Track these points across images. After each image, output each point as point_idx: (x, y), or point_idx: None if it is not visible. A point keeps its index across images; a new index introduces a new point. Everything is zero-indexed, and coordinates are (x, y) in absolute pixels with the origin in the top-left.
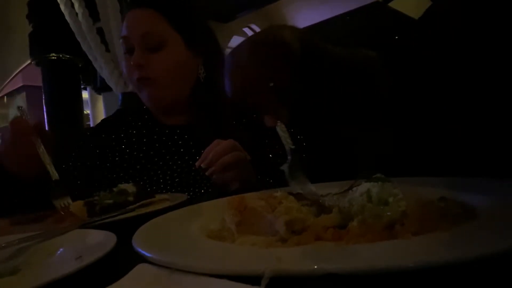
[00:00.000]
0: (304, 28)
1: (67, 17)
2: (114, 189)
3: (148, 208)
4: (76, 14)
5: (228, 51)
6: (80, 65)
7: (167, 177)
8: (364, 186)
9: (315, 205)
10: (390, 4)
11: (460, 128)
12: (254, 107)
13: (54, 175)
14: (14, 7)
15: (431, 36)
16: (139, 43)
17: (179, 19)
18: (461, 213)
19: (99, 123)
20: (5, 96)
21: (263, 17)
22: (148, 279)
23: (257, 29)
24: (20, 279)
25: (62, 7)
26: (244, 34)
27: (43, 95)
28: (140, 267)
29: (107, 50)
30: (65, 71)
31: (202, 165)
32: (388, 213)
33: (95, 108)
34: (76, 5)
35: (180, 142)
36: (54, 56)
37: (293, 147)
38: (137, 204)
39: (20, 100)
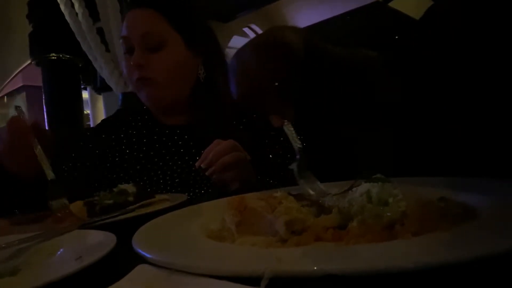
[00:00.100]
0: (304, 28)
1: (67, 17)
2: (114, 189)
3: (148, 209)
4: (76, 14)
5: (228, 51)
6: (80, 65)
7: (167, 177)
8: (364, 186)
9: (315, 205)
10: (390, 4)
11: (460, 128)
12: (260, 108)
13: (50, 175)
14: (14, 7)
15: (431, 36)
16: (139, 43)
17: (179, 19)
18: (461, 213)
19: (99, 123)
20: (5, 96)
21: (263, 17)
22: (148, 280)
23: (257, 29)
24: (20, 280)
25: (62, 7)
26: (244, 34)
27: (43, 95)
28: (140, 268)
29: (107, 50)
30: (65, 71)
31: (202, 165)
32: (388, 214)
33: (95, 108)
34: (76, 5)
35: (180, 142)
36: (54, 56)
37: (301, 146)
38: (137, 204)
39: (20, 100)
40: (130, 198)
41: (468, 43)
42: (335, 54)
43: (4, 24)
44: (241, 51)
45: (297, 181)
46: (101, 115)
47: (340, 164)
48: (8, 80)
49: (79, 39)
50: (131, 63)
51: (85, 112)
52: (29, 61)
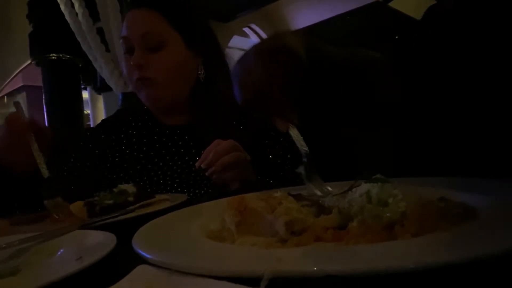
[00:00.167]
0: (305, 32)
1: (67, 17)
2: (114, 189)
3: (148, 209)
4: (76, 14)
5: (228, 51)
6: (80, 65)
7: (167, 178)
8: (363, 186)
9: (314, 205)
10: (390, 4)
11: (460, 128)
12: (265, 113)
13: (45, 173)
14: (14, 7)
15: (431, 36)
16: (139, 43)
17: (179, 19)
18: (461, 213)
19: (99, 123)
20: (5, 96)
21: (263, 17)
22: (148, 280)
23: (257, 29)
24: (21, 280)
25: (62, 7)
26: (244, 34)
27: (43, 95)
28: (140, 268)
29: (107, 50)
30: (65, 71)
31: (202, 165)
32: (388, 214)
33: (95, 108)
34: (76, 5)
35: (180, 143)
36: (54, 56)
37: (307, 149)
38: (137, 204)
39: (20, 100)
40: (130, 198)
41: (468, 43)
42: (336, 57)
43: (4, 24)
44: (244, 57)
45: (305, 183)
46: (101, 115)
47: (340, 164)
48: (8, 80)
49: (79, 39)
50: (131, 63)
51: (85, 112)
52: (29, 61)
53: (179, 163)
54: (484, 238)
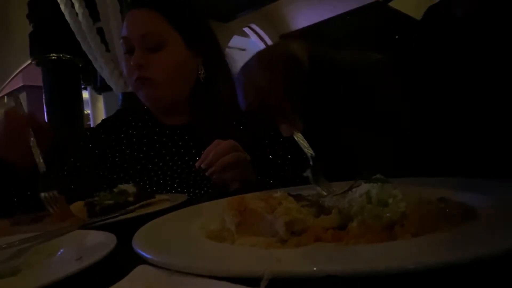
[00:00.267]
0: (305, 28)
1: (67, 17)
2: (114, 189)
3: (148, 209)
4: (76, 14)
5: (228, 51)
6: (80, 65)
7: (167, 178)
8: (363, 187)
9: (314, 206)
10: (390, 4)
11: (460, 128)
12: (269, 118)
13: (42, 167)
14: (14, 7)
15: (431, 36)
16: (139, 43)
17: (179, 19)
18: (461, 213)
19: (99, 123)
20: (5, 96)
21: (263, 17)
22: (148, 281)
23: (257, 29)
24: (21, 280)
25: (62, 7)
26: (244, 34)
27: (43, 95)
28: (140, 269)
29: (107, 50)
30: (65, 71)
31: (202, 165)
32: (388, 214)
33: (95, 108)
34: (76, 5)
35: (180, 143)
36: (54, 56)
37: (313, 153)
38: (137, 204)
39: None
40: (130, 198)
41: (468, 43)
42: (338, 61)
43: (4, 24)
44: (247, 64)
45: (313, 186)
46: (101, 115)
47: (340, 164)
48: (8, 80)
49: (79, 39)
50: (131, 63)
51: (85, 112)
52: (29, 61)
53: (179, 163)
54: (484, 238)
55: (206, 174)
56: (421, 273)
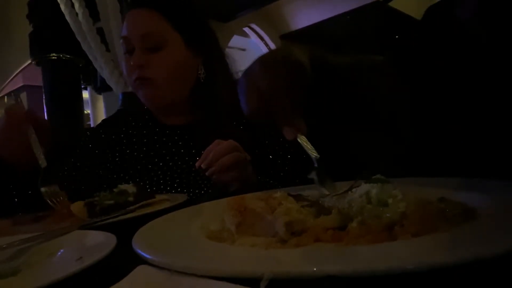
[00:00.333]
0: (304, 28)
1: (67, 17)
2: (114, 189)
3: (148, 209)
4: (76, 14)
5: (228, 51)
6: (80, 65)
7: (167, 178)
8: (363, 187)
9: (314, 206)
10: (390, 4)
11: (460, 128)
12: (272, 122)
13: (43, 162)
14: (14, 7)
15: (432, 36)
16: (139, 43)
17: (179, 19)
18: (461, 213)
19: (100, 123)
20: (6, 96)
21: (263, 17)
22: (148, 281)
23: (257, 29)
24: (21, 280)
25: (62, 7)
26: (244, 34)
27: (44, 95)
28: (140, 269)
29: (107, 50)
30: (65, 71)
31: (202, 165)
32: (388, 214)
33: (95, 108)
34: (76, 5)
35: (180, 143)
36: (55, 56)
37: (318, 156)
38: (137, 204)
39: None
40: (130, 199)
41: (468, 42)
42: (338, 64)
43: (4, 24)
44: (249, 69)
45: (319, 188)
46: (101, 115)
47: (340, 164)
48: (9, 80)
49: (79, 39)
50: (131, 63)
51: (85, 112)
52: (29, 61)
53: (179, 163)
54: (484, 238)
55: (206, 174)
56: (421, 273)
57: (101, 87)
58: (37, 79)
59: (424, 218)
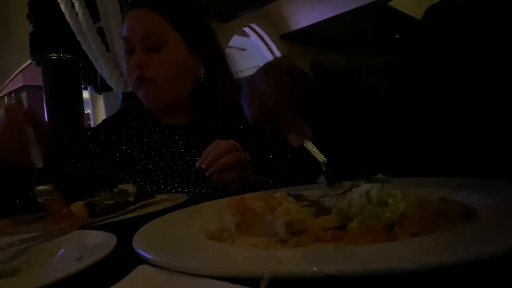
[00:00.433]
0: (304, 28)
1: (67, 17)
2: (115, 189)
3: (149, 209)
4: (76, 14)
5: (228, 51)
6: (80, 65)
7: (168, 177)
8: (363, 187)
9: (314, 206)
10: (390, 3)
11: (461, 129)
12: (277, 130)
13: (39, 163)
14: (14, 7)
15: (432, 36)
16: (139, 43)
17: (180, 19)
18: (461, 213)
19: (100, 123)
20: (6, 96)
21: (263, 17)
22: (148, 281)
23: (257, 29)
24: (21, 280)
25: (62, 7)
26: (244, 33)
27: (44, 95)
28: (140, 269)
29: (107, 50)
30: (65, 71)
31: (202, 165)
32: (388, 214)
33: (95, 107)
34: (76, 5)
35: (180, 142)
36: (55, 56)
37: (325, 160)
38: (138, 204)
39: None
40: (131, 198)
41: (468, 42)
42: (339, 71)
43: (4, 24)
44: (252, 77)
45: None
46: (102, 115)
47: (341, 164)
48: (9, 80)
49: (79, 39)
50: (132, 63)
51: (85, 111)
52: (29, 61)
53: (180, 163)
54: (484, 238)
55: (206, 174)
56: (421, 273)
57: (101, 87)
58: (37, 79)
59: (424, 218)
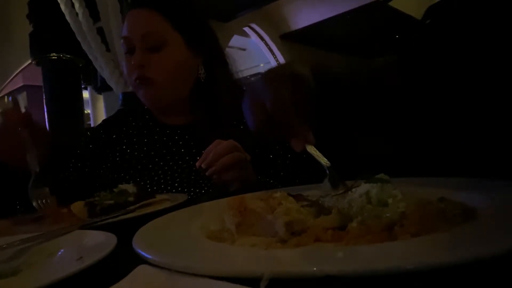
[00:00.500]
0: (304, 28)
1: (67, 17)
2: (115, 189)
3: (149, 209)
4: (77, 14)
5: (228, 51)
6: (80, 65)
7: (168, 177)
8: (363, 187)
9: (314, 206)
10: (390, 3)
11: (461, 128)
12: (279, 135)
13: (35, 166)
14: (14, 7)
15: (432, 36)
16: (139, 43)
17: (180, 19)
18: (461, 213)
19: (100, 123)
20: (6, 96)
21: (263, 17)
22: (148, 281)
23: (257, 28)
24: (21, 280)
25: (62, 7)
26: (244, 33)
27: (44, 95)
28: (140, 269)
29: (107, 50)
30: (65, 71)
31: (202, 165)
32: (388, 214)
33: (95, 107)
34: (76, 5)
35: (180, 142)
36: (55, 56)
37: (329, 163)
38: (138, 204)
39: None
40: (131, 198)
41: (468, 42)
42: (339, 75)
43: (4, 24)
44: (253, 85)
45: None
46: (102, 115)
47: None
48: (9, 80)
49: (79, 39)
50: (132, 63)
51: (85, 111)
52: (29, 61)
53: (180, 163)
54: (484, 238)
55: (206, 174)
56: (421, 273)
57: (101, 87)
58: (37, 79)
59: (424, 218)
